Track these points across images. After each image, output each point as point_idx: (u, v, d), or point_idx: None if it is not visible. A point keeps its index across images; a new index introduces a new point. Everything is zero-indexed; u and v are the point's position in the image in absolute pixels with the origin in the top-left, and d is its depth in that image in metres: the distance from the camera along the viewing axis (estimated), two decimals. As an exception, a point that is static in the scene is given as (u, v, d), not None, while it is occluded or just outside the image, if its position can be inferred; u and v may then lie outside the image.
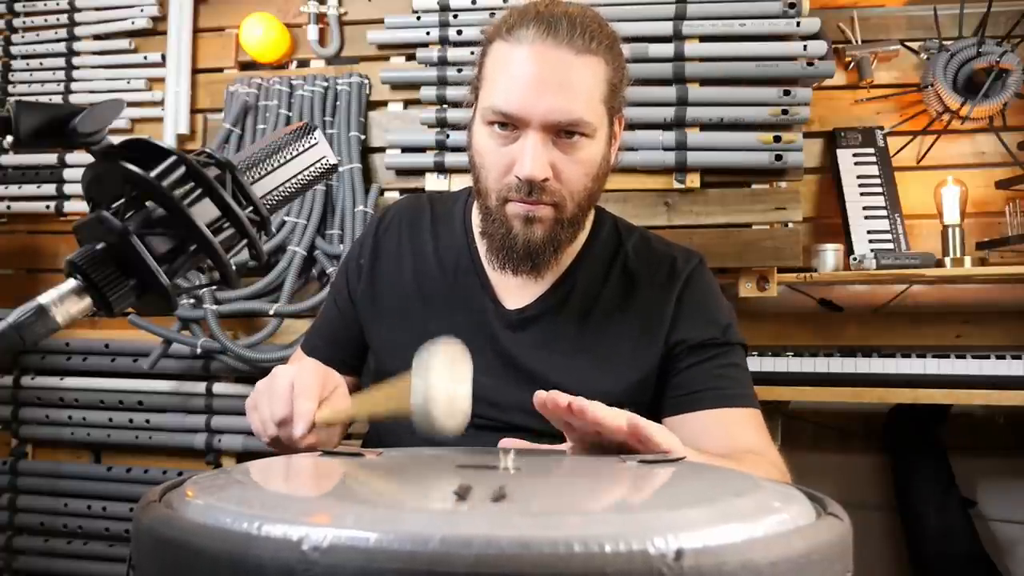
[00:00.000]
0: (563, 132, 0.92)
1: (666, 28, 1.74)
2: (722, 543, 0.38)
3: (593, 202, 1.02)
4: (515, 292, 1.05)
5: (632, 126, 1.70)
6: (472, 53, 1.04)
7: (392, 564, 0.35)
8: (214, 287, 1.86)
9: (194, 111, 2.01)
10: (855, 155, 1.95)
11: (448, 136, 1.79)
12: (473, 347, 1.04)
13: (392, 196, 1.87)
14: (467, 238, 1.09)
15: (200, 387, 1.85)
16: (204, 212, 0.53)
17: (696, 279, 1.06)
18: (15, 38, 2.11)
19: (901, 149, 1.98)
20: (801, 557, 0.40)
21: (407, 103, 1.88)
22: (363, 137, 1.87)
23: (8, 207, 2.04)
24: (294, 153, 0.61)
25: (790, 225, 1.69)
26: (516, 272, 1.00)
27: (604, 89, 0.95)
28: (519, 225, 0.95)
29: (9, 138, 0.50)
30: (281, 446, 0.82)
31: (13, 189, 2.03)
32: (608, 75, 0.95)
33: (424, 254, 1.10)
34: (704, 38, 1.74)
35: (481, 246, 1.05)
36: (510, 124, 0.93)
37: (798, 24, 1.70)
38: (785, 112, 1.68)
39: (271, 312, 1.75)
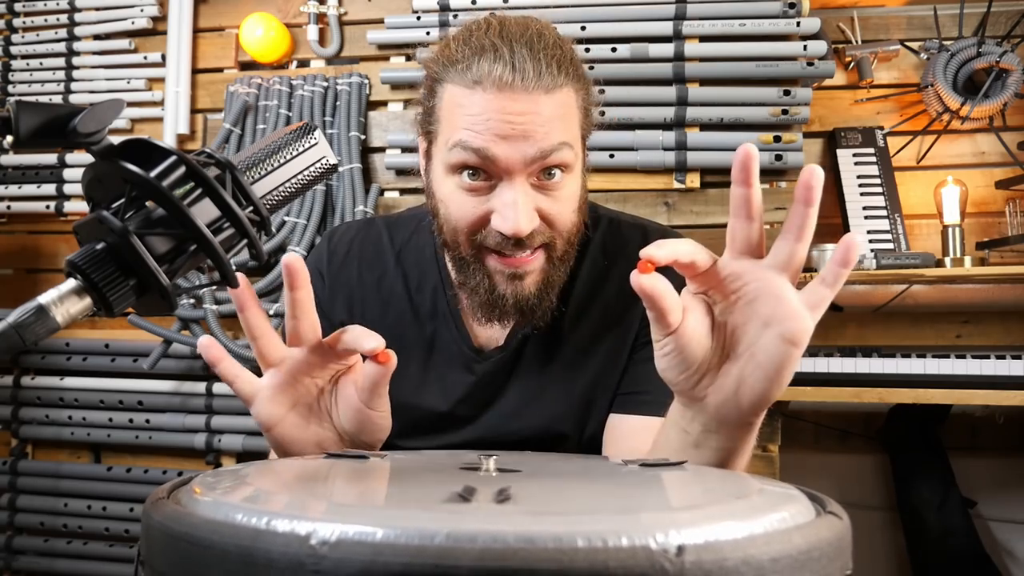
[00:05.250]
0: (543, 172, 0.85)
1: (666, 28, 1.74)
2: (723, 539, 0.38)
3: (580, 231, 0.94)
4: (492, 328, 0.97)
5: (632, 126, 1.71)
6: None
7: (399, 558, 0.36)
8: (214, 287, 1.86)
9: (194, 111, 2.02)
10: (855, 155, 1.95)
11: (448, 136, 1.78)
12: (448, 380, 0.98)
13: (392, 196, 1.87)
14: (441, 278, 1.00)
15: (200, 387, 1.85)
16: (204, 212, 0.53)
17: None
18: (15, 38, 2.11)
19: (901, 149, 1.98)
20: (801, 554, 0.40)
21: (407, 103, 1.88)
22: (363, 137, 1.87)
23: (8, 207, 2.04)
24: (294, 153, 0.61)
25: (790, 225, 1.68)
26: (508, 324, 0.93)
27: (579, 117, 0.88)
28: (504, 283, 0.87)
29: (9, 138, 0.50)
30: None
31: (13, 189, 2.03)
32: (580, 102, 0.88)
33: (393, 296, 1.01)
34: (704, 38, 1.74)
35: (461, 295, 0.97)
36: (482, 171, 0.84)
37: (798, 24, 1.70)
38: (785, 112, 1.68)
39: (271, 312, 1.75)
